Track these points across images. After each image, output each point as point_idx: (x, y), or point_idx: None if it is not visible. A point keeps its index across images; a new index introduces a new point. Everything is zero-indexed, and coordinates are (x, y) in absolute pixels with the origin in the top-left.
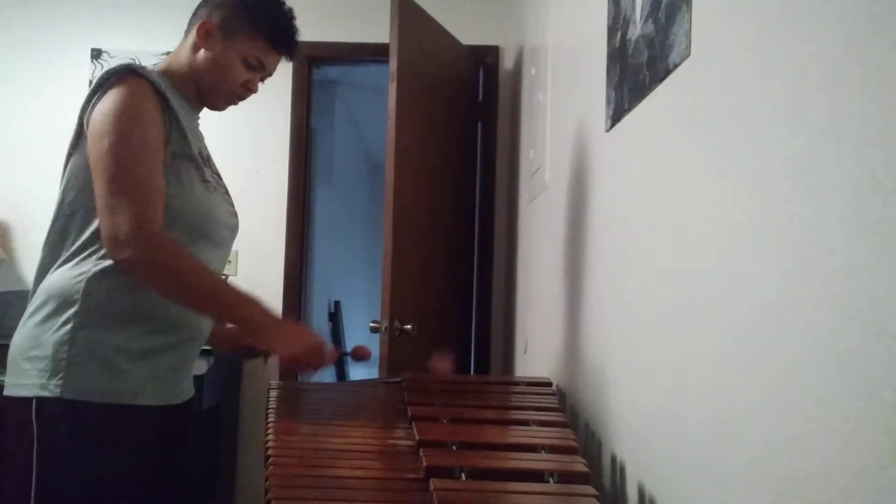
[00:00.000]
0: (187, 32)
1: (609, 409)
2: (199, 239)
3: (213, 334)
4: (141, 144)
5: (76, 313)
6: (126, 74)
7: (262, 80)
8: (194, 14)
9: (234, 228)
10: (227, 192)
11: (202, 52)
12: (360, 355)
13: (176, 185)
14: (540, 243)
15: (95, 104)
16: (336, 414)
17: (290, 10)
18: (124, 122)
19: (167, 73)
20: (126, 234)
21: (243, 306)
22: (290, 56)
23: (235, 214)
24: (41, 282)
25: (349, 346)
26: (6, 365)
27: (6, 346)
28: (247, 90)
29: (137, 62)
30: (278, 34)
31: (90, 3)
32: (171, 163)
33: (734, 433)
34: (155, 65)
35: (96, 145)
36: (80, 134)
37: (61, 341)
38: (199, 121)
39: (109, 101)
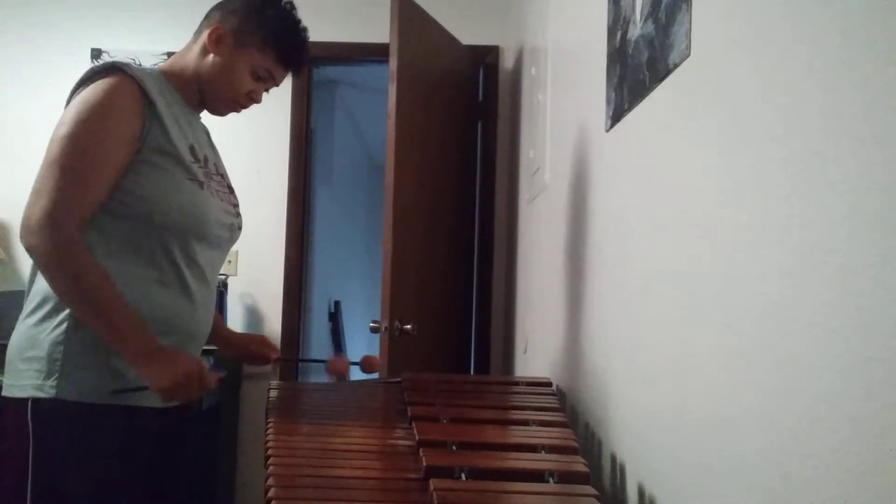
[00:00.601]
0: (197, 34)
1: (609, 409)
2: (189, 238)
3: (219, 337)
4: (96, 142)
5: (71, 313)
6: (110, 72)
7: (267, 90)
8: (206, 17)
9: (232, 228)
10: (229, 192)
11: (211, 57)
12: (370, 367)
13: (156, 183)
14: (540, 243)
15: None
16: (336, 414)
17: (305, 29)
18: (88, 116)
19: (169, 72)
20: (38, 221)
21: (127, 334)
22: (297, 74)
23: (236, 215)
24: (34, 280)
25: (348, 348)
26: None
27: (5, 346)
28: (250, 100)
29: (137, 62)
30: (289, 52)
31: (90, 3)
32: (151, 161)
33: (734, 433)
34: (155, 64)
35: (54, 132)
36: None
37: (57, 342)
38: (201, 121)
39: (83, 95)
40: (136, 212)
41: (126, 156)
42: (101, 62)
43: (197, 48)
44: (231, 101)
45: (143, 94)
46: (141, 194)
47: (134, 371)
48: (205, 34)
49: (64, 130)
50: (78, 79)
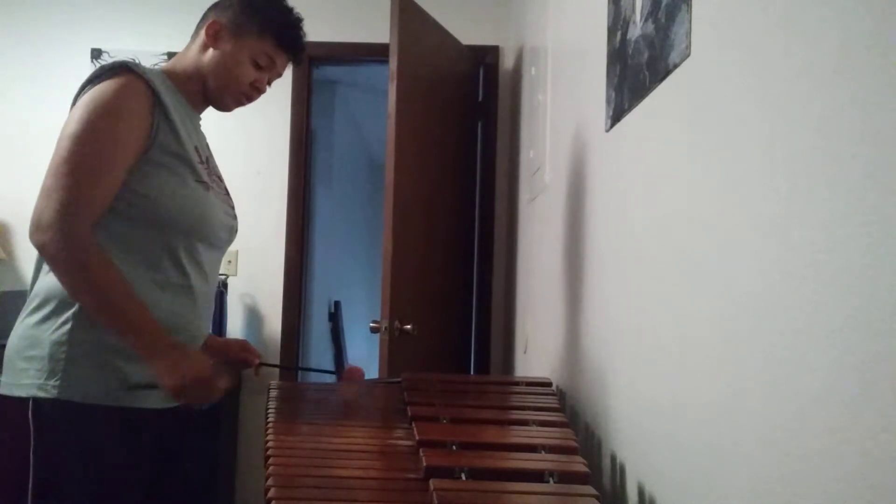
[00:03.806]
0: (195, 35)
1: (609, 409)
2: (193, 239)
3: (204, 343)
4: (106, 140)
5: (75, 314)
6: (119, 70)
7: (269, 81)
8: (203, 18)
9: (231, 230)
10: (227, 193)
11: (210, 52)
12: (354, 376)
13: (164, 184)
14: (540, 243)
15: (82, 97)
16: (336, 414)
17: (299, 15)
18: (97, 116)
19: (171, 72)
20: (49, 219)
21: (141, 329)
22: (297, 61)
23: (234, 217)
24: (37, 279)
25: (348, 348)
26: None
27: (5, 347)
28: (255, 90)
29: (137, 62)
30: (287, 35)
31: (90, 3)
32: (159, 161)
33: (734, 434)
34: (156, 64)
35: (63, 131)
36: None
37: (59, 342)
38: (202, 121)
39: (92, 94)
40: (143, 212)
41: (135, 156)
42: (100, 62)
43: (196, 46)
44: (236, 92)
45: (153, 93)
46: (149, 195)
47: (144, 365)
48: (203, 31)
49: (73, 129)
50: (86, 77)
